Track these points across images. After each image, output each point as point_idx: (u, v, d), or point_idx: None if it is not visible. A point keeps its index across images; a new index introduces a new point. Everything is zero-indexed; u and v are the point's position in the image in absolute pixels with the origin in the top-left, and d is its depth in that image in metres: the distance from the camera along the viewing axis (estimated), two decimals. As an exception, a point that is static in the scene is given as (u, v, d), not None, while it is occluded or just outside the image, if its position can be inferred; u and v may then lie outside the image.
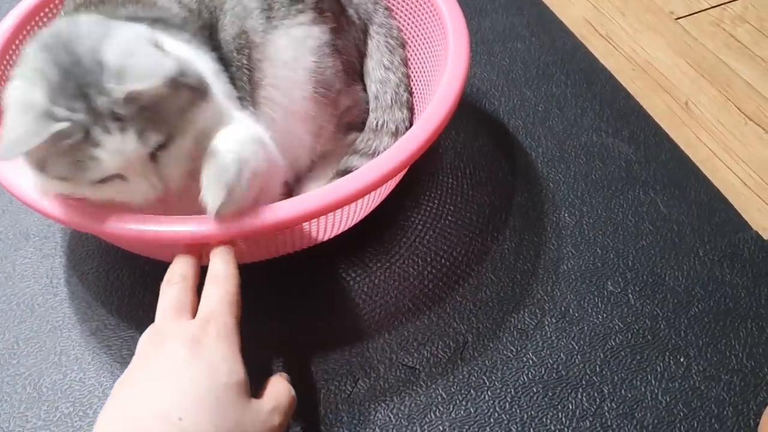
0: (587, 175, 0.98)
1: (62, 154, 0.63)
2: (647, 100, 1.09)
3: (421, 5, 0.96)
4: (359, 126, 0.95)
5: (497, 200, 0.95)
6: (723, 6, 1.25)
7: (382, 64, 0.97)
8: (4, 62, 0.89)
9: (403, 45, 0.99)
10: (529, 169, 0.99)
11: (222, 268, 0.67)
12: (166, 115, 0.65)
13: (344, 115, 0.93)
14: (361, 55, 0.97)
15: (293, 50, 0.85)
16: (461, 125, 1.02)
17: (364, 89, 0.97)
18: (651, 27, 1.22)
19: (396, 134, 0.93)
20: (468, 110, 1.05)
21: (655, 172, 0.98)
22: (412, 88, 0.98)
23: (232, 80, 0.81)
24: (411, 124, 0.94)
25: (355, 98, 0.95)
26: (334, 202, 0.70)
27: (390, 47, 0.98)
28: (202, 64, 0.75)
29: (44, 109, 0.61)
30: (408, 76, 0.98)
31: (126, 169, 0.65)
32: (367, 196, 0.76)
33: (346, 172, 0.87)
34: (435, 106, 0.78)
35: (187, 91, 0.66)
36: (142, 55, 0.63)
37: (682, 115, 1.08)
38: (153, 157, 0.66)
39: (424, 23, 0.96)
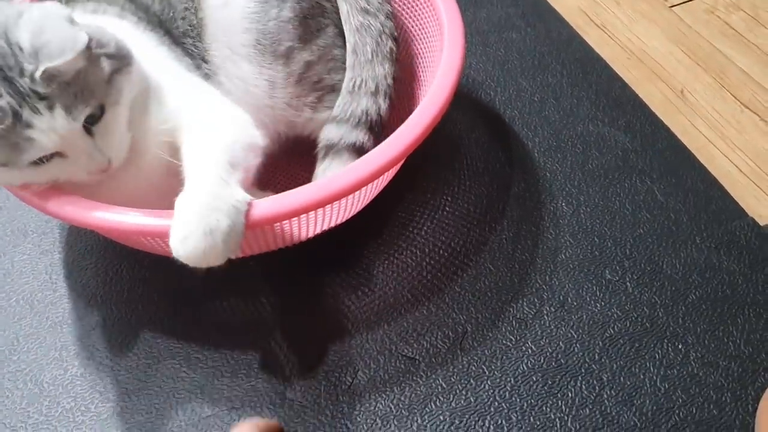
0: (584, 164, 0.98)
1: None
2: (643, 88, 1.09)
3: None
4: (330, 96, 0.88)
5: (494, 191, 0.95)
6: (717, -7, 1.26)
7: (359, 7, 0.88)
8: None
9: None
10: (526, 159, 0.99)
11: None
12: (92, 86, 0.66)
13: (306, 75, 0.86)
14: (334, 7, 0.89)
15: None
16: (457, 116, 1.03)
17: (341, 40, 0.89)
18: (646, 15, 1.22)
19: (376, 94, 0.86)
20: (464, 101, 1.05)
21: (652, 161, 0.98)
22: (397, 35, 0.89)
23: (186, 50, 0.81)
24: (394, 80, 0.87)
25: (319, 53, 0.86)
26: (330, 195, 0.70)
27: None
28: (134, 32, 0.76)
29: None
30: (393, 17, 0.90)
31: (63, 146, 0.66)
32: (363, 189, 0.76)
33: (328, 147, 0.84)
34: (431, 98, 0.78)
35: (106, 60, 0.66)
36: (54, 31, 0.63)
37: (678, 103, 1.08)
38: (88, 131, 0.67)
39: (420, 14, 0.95)
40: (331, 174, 0.77)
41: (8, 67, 0.63)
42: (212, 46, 0.83)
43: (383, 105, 0.86)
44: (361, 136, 0.84)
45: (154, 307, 0.86)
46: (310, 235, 0.84)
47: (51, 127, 0.64)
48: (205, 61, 0.83)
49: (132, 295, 0.87)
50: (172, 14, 0.82)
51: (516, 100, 1.06)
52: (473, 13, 1.19)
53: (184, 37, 0.82)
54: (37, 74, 0.62)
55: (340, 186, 0.71)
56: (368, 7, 0.88)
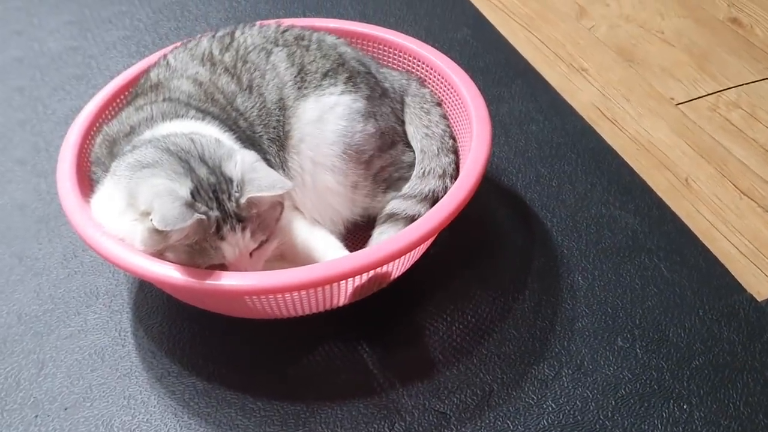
0: (597, 243, 1.09)
1: (190, 241, 0.81)
2: (650, 176, 1.21)
3: (448, 95, 1.10)
4: (396, 184, 1.05)
5: (517, 265, 1.06)
6: (718, 93, 1.39)
7: (422, 125, 1.09)
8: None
9: (438, 104, 1.12)
10: (545, 237, 1.10)
11: None
12: (269, 221, 0.87)
13: (380, 174, 1.04)
14: (402, 122, 1.10)
15: (319, 111, 1.01)
16: (484, 198, 1.14)
17: (407, 149, 1.09)
18: (653, 111, 1.35)
19: (444, 176, 1.03)
20: (489, 185, 1.17)
21: (659, 241, 1.09)
22: (455, 135, 1.09)
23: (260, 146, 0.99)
24: (457, 167, 1.05)
25: (391, 160, 1.06)
26: (373, 262, 0.83)
27: (425, 110, 1.10)
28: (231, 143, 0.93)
29: (190, 202, 0.80)
30: (450, 127, 1.10)
31: (235, 259, 0.84)
32: (402, 258, 0.88)
33: (389, 216, 1.00)
34: (461, 182, 0.91)
35: (279, 203, 0.88)
36: (266, 172, 0.85)
37: (683, 190, 1.19)
38: (250, 252, 0.86)
39: (451, 110, 1.10)
40: (386, 237, 0.92)
41: (222, 191, 0.82)
42: (293, 157, 1.00)
43: (449, 185, 1.02)
44: (422, 210, 0.98)
45: (213, 361, 0.97)
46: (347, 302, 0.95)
47: (237, 244, 0.83)
48: (283, 169, 0.99)
49: (193, 350, 0.98)
50: (265, 124, 1.00)
51: (535, 185, 1.18)
52: (496, 107, 1.32)
53: (271, 145, 0.99)
54: (243, 200, 0.82)
55: (386, 252, 0.83)
56: (429, 124, 1.09)
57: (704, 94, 1.39)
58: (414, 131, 1.10)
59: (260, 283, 0.82)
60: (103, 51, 1.51)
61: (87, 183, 0.98)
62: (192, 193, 0.81)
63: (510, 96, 1.36)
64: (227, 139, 0.93)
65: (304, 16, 1.56)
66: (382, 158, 1.05)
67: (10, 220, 1.17)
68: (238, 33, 1.07)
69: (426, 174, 1.04)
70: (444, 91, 1.11)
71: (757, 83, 1.40)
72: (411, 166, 1.07)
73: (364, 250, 0.87)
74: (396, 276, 0.96)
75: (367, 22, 1.45)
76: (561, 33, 1.54)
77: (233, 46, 1.05)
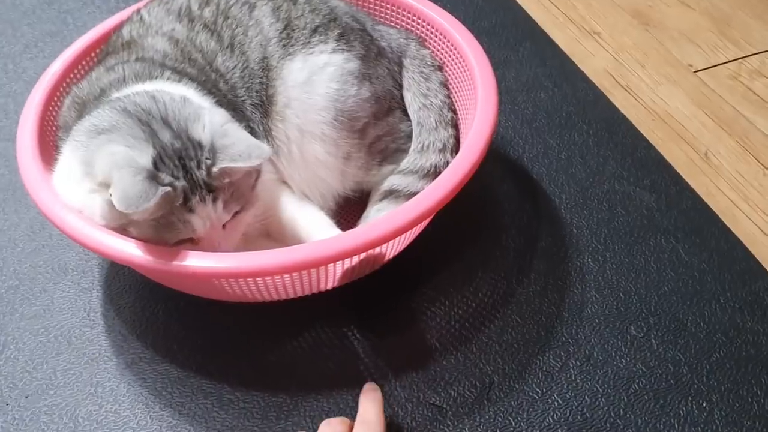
0: (610, 221, 1.00)
1: (155, 215, 0.71)
2: (667, 150, 1.12)
3: (451, 58, 1.00)
4: (393, 156, 0.97)
5: (522, 244, 0.98)
6: (740, 60, 1.29)
7: (420, 92, 1.00)
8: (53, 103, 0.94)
9: (439, 68, 1.02)
10: (553, 214, 1.01)
11: (374, 413, 0.76)
12: (243, 190, 0.77)
13: (375, 144, 0.96)
14: (400, 86, 1.01)
15: (308, 72, 0.91)
16: (487, 171, 1.05)
17: (405, 118, 1.00)
18: (670, 79, 1.25)
19: (444, 151, 0.95)
20: (494, 156, 1.08)
21: (676, 221, 1.00)
22: (455, 107, 1.00)
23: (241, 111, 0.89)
24: (457, 141, 0.97)
25: (387, 129, 0.97)
26: (363, 244, 0.74)
27: (425, 75, 1.01)
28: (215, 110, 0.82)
29: (152, 173, 0.70)
30: (450, 97, 1.00)
31: (205, 233, 0.75)
32: (397, 239, 0.79)
33: (389, 192, 0.91)
34: (462, 156, 0.82)
35: (256, 170, 0.78)
36: (238, 137, 0.75)
37: (702, 165, 1.10)
38: (223, 225, 0.77)
39: (453, 74, 1.00)
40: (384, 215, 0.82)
41: (189, 157, 0.72)
42: (277, 125, 0.90)
43: (450, 158, 0.93)
44: (426, 186, 0.87)
45: (189, 347, 0.89)
46: (339, 284, 0.86)
47: (209, 216, 0.74)
48: (267, 139, 0.90)
49: (167, 334, 0.90)
50: (248, 87, 0.90)
51: (543, 157, 1.09)
52: (502, 72, 1.22)
53: (254, 111, 0.89)
54: (215, 169, 0.72)
55: (383, 231, 0.74)
56: (428, 93, 0.99)
57: (725, 60, 1.29)
58: (411, 99, 1.00)
59: (235, 266, 0.73)
60: (80, 6, 1.41)
61: (52, 151, 0.89)
62: (154, 162, 0.71)
63: (517, 60, 1.26)
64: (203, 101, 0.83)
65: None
66: (378, 126, 0.95)
67: (-27, 187, 1.09)
68: None
69: (425, 148, 0.95)
70: (446, 54, 1.01)
71: (782, 50, 1.31)
72: (409, 137, 0.98)
73: (355, 229, 0.78)
74: (390, 257, 0.88)
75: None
76: (572, -7, 1.44)
77: (213, 1, 0.95)
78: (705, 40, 1.33)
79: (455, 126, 0.99)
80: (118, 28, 0.97)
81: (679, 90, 1.23)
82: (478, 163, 0.81)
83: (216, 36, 0.92)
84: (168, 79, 0.86)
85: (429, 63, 1.02)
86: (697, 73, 1.27)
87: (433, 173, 0.92)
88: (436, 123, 0.97)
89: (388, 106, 0.97)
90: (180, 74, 0.87)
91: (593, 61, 1.29)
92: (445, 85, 1.01)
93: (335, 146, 0.92)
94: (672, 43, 1.33)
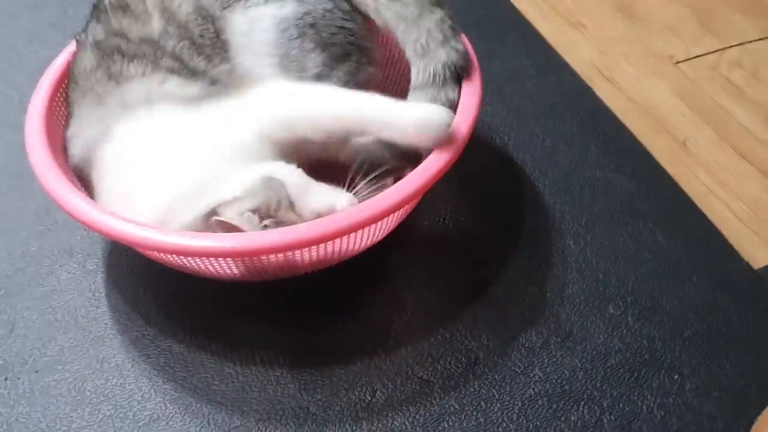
0: (591, 206, 1.05)
1: None
2: (648, 138, 1.16)
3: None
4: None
5: (507, 227, 1.03)
6: (720, 51, 1.33)
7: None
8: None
9: None
10: (537, 199, 1.06)
11: None
12: None
13: None
14: (350, 15, 0.94)
15: (247, 24, 0.91)
16: (474, 157, 1.08)
17: (365, 63, 0.95)
18: (653, 70, 1.30)
19: (446, 41, 0.89)
20: (479, 144, 1.12)
21: (655, 206, 1.05)
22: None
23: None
24: (453, 21, 0.91)
25: (345, 77, 0.92)
26: (351, 225, 0.79)
27: None
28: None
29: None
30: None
31: None
32: (387, 218, 0.84)
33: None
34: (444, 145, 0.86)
35: None
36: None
37: (681, 153, 1.15)
38: None
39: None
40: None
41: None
42: (237, 65, 0.92)
43: (459, 46, 0.90)
44: (451, 94, 0.88)
45: (190, 324, 0.93)
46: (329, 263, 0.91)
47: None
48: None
49: (168, 312, 0.94)
50: (189, 37, 0.92)
51: (528, 145, 1.14)
52: (488, 63, 1.26)
53: (205, 57, 0.92)
54: None
55: (369, 213, 0.79)
56: None
57: (705, 52, 1.34)
58: (374, 5, 0.93)
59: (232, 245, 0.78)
60: (81, -3, 1.44)
61: (58, 138, 0.94)
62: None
63: (503, 51, 1.31)
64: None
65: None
66: (333, 75, 0.92)
67: (-20, 174, 1.13)
68: None
69: (424, 46, 0.89)
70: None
71: (760, 41, 1.35)
72: (370, 82, 0.94)
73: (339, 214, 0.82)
74: (377, 240, 0.92)
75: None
76: (558, -14, 1.48)
77: None
78: (687, 32, 1.37)
79: (440, 5, 0.91)
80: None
81: (661, 81, 1.28)
82: (460, 151, 0.85)
83: (129, 12, 0.93)
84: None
85: None
86: (678, 64, 1.31)
87: (452, 74, 0.89)
88: (420, 12, 0.90)
89: (341, 51, 0.92)
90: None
91: (578, 53, 1.33)
92: None
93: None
94: (655, 35, 1.37)
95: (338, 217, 0.79)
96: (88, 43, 0.94)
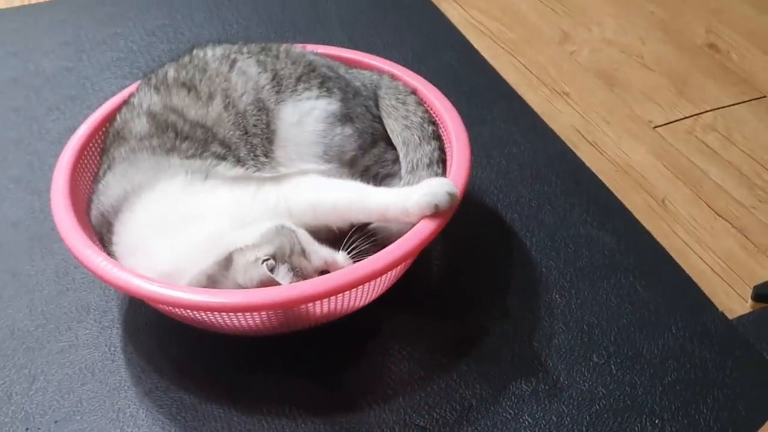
0: (575, 261, 1.12)
1: None
2: (628, 197, 1.24)
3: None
4: (384, 181, 1.08)
5: (497, 283, 1.10)
6: (696, 116, 1.43)
7: (400, 116, 1.12)
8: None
9: (413, 92, 1.15)
10: (524, 256, 1.13)
11: None
12: None
13: (366, 173, 1.08)
14: (379, 119, 1.12)
15: (299, 116, 1.05)
16: (465, 218, 1.16)
17: (389, 147, 1.11)
18: (632, 134, 1.39)
19: (431, 165, 1.06)
20: (470, 205, 1.20)
21: (635, 260, 1.12)
22: (434, 119, 1.12)
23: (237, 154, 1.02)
24: (443, 152, 1.08)
25: (375, 159, 1.09)
26: (365, 276, 0.87)
27: (401, 100, 1.14)
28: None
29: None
30: (427, 112, 1.12)
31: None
32: (384, 276, 0.91)
33: None
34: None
35: None
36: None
37: (660, 210, 1.23)
38: None
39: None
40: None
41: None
42: (279, 152, 1.04)
43: (439, 170, 1.06)
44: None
45: (200, 377, 0.99)
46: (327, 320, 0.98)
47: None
48: (266, 156, 1.03)
49: (181, 366, 1.00)
50: (238, 124, 1.03)
51: (516, 205, 1.22)
52: (478, 129, 1.35)
53: (254, 144, 1.03)
54: None
55: (372, 269, 0.87)
56: (407, 114, 1.11)
57: (681, 117, 1.43)
58: (393, 124, 1.12)
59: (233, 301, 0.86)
60: (98, 72, 1.54)
61: (81, 202, 1.02)
62: None
63: (492, 118, 1.40)
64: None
65: (295, 40, 1.59)
66: (366, 157, 1.08)
67: (3, 236, 1.20)
68: (198, 51, 1.11)
69: (415, 167, 1.07)
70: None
71: (732, 107, 1.44)
72: (396, 161, 1.11)
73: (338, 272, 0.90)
74: (375, 297, 0.99)
75: (355, 45, 1.50)
76: (544, 57, 1.59)
77: (192, 62, 1.08)
78: (664, 99, 1.47)
79: (438, 137, 1.10)
80: (113, 117, 1.10)
81: (640, 144, 1.37)
82: (449, 217, 0.94)
83: (193, 91, 1.04)
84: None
85: (402, 90, 1.16)
86: (656, 128, 1.40)
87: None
88: (419, 138, 1.09)
89: (372, 139, 1.10)
90: (166, 151, 1.00)
91: (562, 119, 1.42)
92: (420, 103, 1.14)
93: (327, 172, 1.04)
94: (634, 101, 1.47)
95: (360, 266, 0.88)
96: (142, 109, 1.05)
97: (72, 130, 1.36)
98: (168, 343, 1.03)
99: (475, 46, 1.62)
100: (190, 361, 1.01)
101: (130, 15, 1.71)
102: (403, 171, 1.08)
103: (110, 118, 1.13)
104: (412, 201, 0.92)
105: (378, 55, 1.25)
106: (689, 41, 1.62)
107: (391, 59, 1.24)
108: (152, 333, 1.05)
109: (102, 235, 1.00)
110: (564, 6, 1.75)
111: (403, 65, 1.22)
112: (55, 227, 0.97)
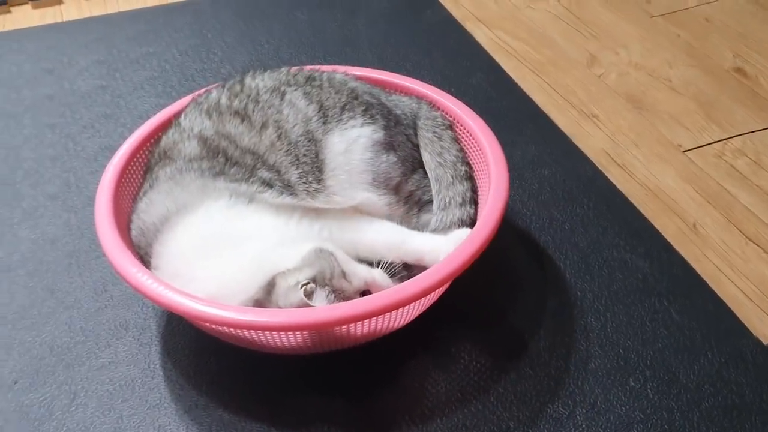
0: (610, 285, 1.13)
1: None
2: (659, 221, 1.25)
3: (468, 142, 1.15)
4: (426, 206, 1.12)
5: (533, 306, 1.10)
6: (724, 141, 1.44)
7: (435, 151, 1.15)
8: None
9: (449, 126, 1.17)
10: (559, 279, 1.14)
11: None
12: None
13: (410, 198, 1.11)
14: (417, 147, 1.16)
15: (346, 144, 1.07)
16: (499, 240, 1.17)
17: (425, 174, 1.15)
18: (661, 157, 1.40)
19: (464, 204, 1.09)
20: (505, 227, 1.19)
21: (668, 285, 1.13)
22: (469, 159, 1.15)
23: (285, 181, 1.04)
24: (475, 192, 1.11)
25: (417, 184, 1.13)
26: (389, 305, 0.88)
27: (437, 134, 1.16)
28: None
29: None
30: (462, 150, 1.15)
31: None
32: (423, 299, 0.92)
33: None
34: (476, 231, 0.96)
35: None
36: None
37: (691, 234, 1.24)
38: None
39: (470, 155, 1.15)
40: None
41: None
42: (330, 182, 1.06)
43: (471, 210, 1.10)
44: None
45: (239, 394, 1.00)
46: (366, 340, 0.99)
47: None
48: (318, 182, 1.05)
49: (221, 383, 1.02)
50: (291, 153, 1.06)
51: (549, 228, 1.23)
52: (510, 151, 1.34)
53: (303, 173, 1.05)
54: None
55: (412, 291, 0.88)
56: (442, 150, 1.14)
57: (711, 141, 1.44)
58: (428, 158, 1.15)
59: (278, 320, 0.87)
60: (131, 90, 1.57)
61: (124, 221, 1.03)
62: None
63: (523, 140, 1.41)
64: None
65: (324, 61, 1.62)
66: (409, 183, 1.12)
67: (42, 253, 1.22)
68: (248, 79, 1.13)
69: (447, 205, 1.10)
70: (463, 138, 1.16)
71: (761, 132, 1.45)
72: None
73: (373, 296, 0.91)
74: (415, 316, 1.00)
75: (385, 66, 1.52)
76: (572, 79, 1.60)
77: (244, 92, 1.10)
78: (692, 123, 1.48)
79: (470, 178, 1.13)
80: (158, 139, 1.12)
81: (670, 167, 1.37)
82: (487, 242, 0.96)
83: (247, 120, 1.07)
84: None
85: (440, 122, 1.18)
86: (685, 152, 1.41)
87: (459, 226, 1.07)
88: (452, 178, 1.12)
89: (412, 166, 1.13)
90: (215, 174, 1.02)
91: (592, 141, 1.43)
92: (456, 140, 1.17)
93: (378, 198, 1.07)
94: (663, 125, 1.48)
95: (402, 288, 0.89)
96: (192, 132, 1.07)
97: (107, 147, 1.39)
98: (206, 361, 1.05)
99: (503, 66, 1.63)
100: (228, 378, 1.02)
101: (163, 34, 1.74)
102: (435, 207, 1.11)
103: (151, 138, 1.14)
104: (443, 255, 0.96)
105: (409, 77, 1.27)
106: (716, 66, 1.63)
107: (420, 79, 1.25)
108: (190, 350, 1.06)
109: (140, 252, 1.01)
110: (589, 28, 1.77)
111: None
112: (91, 244, 0.99)
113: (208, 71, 1.61)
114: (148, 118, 1.18)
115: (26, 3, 1.95)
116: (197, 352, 1.06)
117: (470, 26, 1.79)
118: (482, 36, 1.75)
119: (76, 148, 1.42)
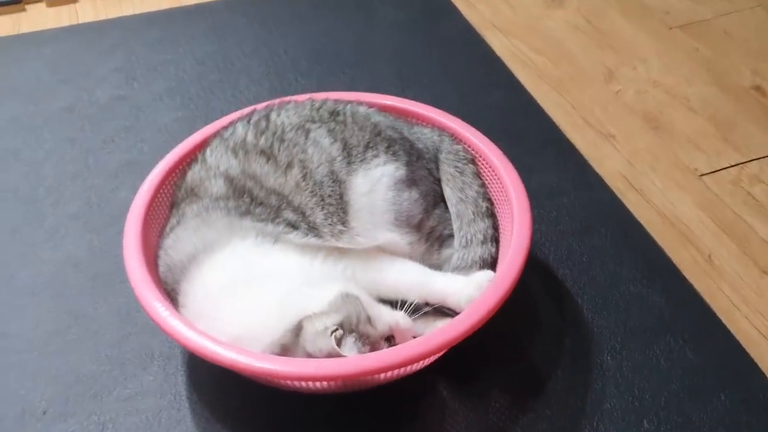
0: (626, 322, 1.15)
1: None
2: (676, 252, 1.26)
3: (490, 176, 1.17)
4: (447, 240, 1.14)
5: (549, 342, 1.12)
6: (741, 165, 1.44)
7: (456, 187, 1.16)
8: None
9: (471, 161, 1.19)
10: (576, 314, 1.16)
11: None
12: None
13: (431, 234, 1.13)
14: (438, 181, 1.17)
15: (369, 184, 1.08)
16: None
17: (446, 207, 1.16)
18: (678, 183, 1.40)
19: (485, 242, 1.11)
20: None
21: (684, 322, 1.15)
22: (490, 195, 1.16)
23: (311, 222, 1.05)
24: (496, 230, 1.13)
25: (438, 219, 1.14)
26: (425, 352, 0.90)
27: (459, 169, 1.17)
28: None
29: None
30: (484, 186, 1.17)
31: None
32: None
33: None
34: (501, 279, 0.98)
35: None
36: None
37: (706, 266, 1.25)
38: None
39: (492, 191, 1.16)
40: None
41: None
42: (354, 223, 1.07)
43: (492, 249, 1.11)
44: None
45: (263, 428, 1.03)
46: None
47: None
48: (343, 224, 1.06)
49: (246, 418, 1.04)
50: (316, 193, 1.07)
51: (568, 260, 1.24)
52: (528, 177, 1.34)
53: (329, 214, 1.06)
54: None
55: (441, 341, 0.91)
56: (463, 186, 1.15)
57: (727, 165, 1.44)
58: (450, 193, 1.16)
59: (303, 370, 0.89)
60: (150, 102, 1.57)
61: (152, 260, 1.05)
62: None
63: (541, 166, 1.41)
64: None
65: (342, 73, 1.62)
66: (431, 219, 1.13)
67: (65, 276, 1.24)
68: (273, 115, 1.14)
69: (469, 242, 1.12)
70: (485, 172, 1.18)
71: (778, 157, 1.46)
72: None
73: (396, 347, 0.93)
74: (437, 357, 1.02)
75: (402, 81, 1.52)
76: (589, 97, 1.60)
77: (269, 129, 1.11)
78: (709, 145, 1.48)
79: (492, 215, 1.15)
80: (184, 173, 1.13)
81: (686, 194, 1.38)
82: (515, 284, 0.98)
83: (272, 160, 1.08)
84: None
85: (462, 156, 1.19)
86: (702, 177, 1.42)
87: (481, 264, 1.09)
88: (473, 214, 1.13)
89: (434, 201, 1.14)
90: (240, 214, 1.04)
91: (609, 164, 1.44)
92: (478, 175, 1.18)
93: (400, 237, 1.09)
94: (679, 147, 1.48)
95: (430, 339, 0.92)
96: (218, 171, 1.08)
97: (127, 163, 1.40)
98: (231, 394, 1.07)
99: (521, 80, 1.63)
100: (254, 412, 1.05)
101: (180, 41, 1.74)
102: (456, 243, 1.12)
103: (176, 169, 1.15)
104: (465, 298, 1.01)
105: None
106: (735, 83, 1.62)
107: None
108: (215, 382, 1.08)
109: (167, 288, 1.03)
110: (607, 39, 1.76)
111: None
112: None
113: (225, 83, 1.61)
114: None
115: (41, 0, 1.94)
116: (222, 385, 1.07)
117: (487, 34, 1.78)
118: (499, 45, 1.75)
119: (96, 164, 1.43)
